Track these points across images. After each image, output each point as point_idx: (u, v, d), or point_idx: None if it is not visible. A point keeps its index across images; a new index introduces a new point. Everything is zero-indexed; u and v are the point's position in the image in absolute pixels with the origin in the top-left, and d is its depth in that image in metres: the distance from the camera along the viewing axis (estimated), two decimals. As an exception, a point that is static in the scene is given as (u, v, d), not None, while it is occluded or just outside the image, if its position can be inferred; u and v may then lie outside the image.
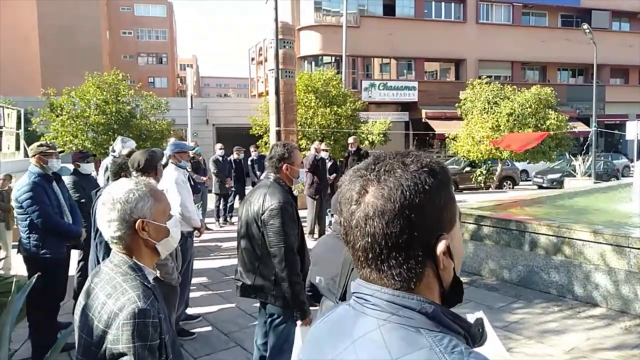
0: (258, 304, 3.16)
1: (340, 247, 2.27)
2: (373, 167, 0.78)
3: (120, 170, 3.59)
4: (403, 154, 0.79)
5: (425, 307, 0.74)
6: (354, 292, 0.82)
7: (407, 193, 0.73)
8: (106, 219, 1.51)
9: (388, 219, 0.73)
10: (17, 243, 4.14)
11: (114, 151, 6.31)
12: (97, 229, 3.32)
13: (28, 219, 3.74)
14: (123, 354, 1.34)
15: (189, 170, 4.97)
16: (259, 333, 3.17)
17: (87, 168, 4.98)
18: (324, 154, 8.80)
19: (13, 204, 3.93)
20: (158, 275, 3.16)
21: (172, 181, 4.22)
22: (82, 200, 4.70)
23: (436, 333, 0.72)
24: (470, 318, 0.87)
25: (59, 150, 4.11)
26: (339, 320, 0.83)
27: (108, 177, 5.14)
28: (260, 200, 2.83)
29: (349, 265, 2.19)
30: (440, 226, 0.76)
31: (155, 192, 1.60)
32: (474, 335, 0.79)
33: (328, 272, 2.32)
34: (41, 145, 3.94)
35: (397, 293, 0.75)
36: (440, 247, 0.75)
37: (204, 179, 9.04)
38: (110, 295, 1.43)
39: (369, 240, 0.75)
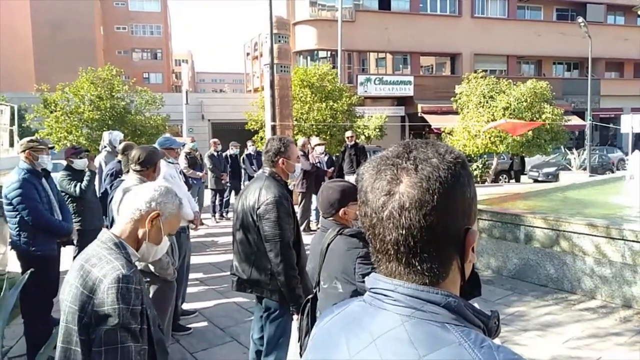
0: (254, 299, 3.15)
1: (322, 239, 2.40)
2: (407, 155, 0.74)
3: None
4: (434, 144, 0.77)
5: (450, 301, 0.72)
6: (370, 288, 0.78)
7: (446, 184, 0.70)
8: (138, 195, 1.71)
9: (426, 210, 0.70)
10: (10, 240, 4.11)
11: (105, 147, 6.30)
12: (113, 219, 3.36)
13: (18, 216, 3.69)
14: (108, 315, 1.44)
15: (177, 162, 4.92)
16: (255, 327, 3.16)
17: (81, 164, 4.93)
18: (319, 149, 8.87)
19: (2, 200, 3.88)
20: (153, 270, 3.16)
21: (159, 177, 4.19)
22: (77, 191, 4.69)
23: (462, 328, 0.70)
24: None
25: (49, 146, 4.06)
26: (355, 317, 0.79)
27: (110, 174, 5.10)
28: (256, 194, 2.82)
29: (320, 256, 2.32)
30: (469, 220, 0.75)
31: (180, 209, 1.80)
32: (491, 329, 0.77)
33: (313, 262, 2.47)
34: (31, 141, 3.90)
35: (420, 287, 0.72)
36: (471, 241, 0.74)
37: (200, 174, 8.99)
38: (95, 265, 1.54)
39: (403, 232, 0.71)
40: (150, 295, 2.85)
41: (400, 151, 0.76)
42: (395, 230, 0.72)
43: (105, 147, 6.29)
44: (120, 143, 5.97)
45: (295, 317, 2.82)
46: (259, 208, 2.77)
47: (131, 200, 1.71)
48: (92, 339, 1.46)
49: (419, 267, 0.73)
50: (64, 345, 1.52)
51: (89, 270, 1.52)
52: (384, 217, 0.72)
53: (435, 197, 0.70)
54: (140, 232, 1.68)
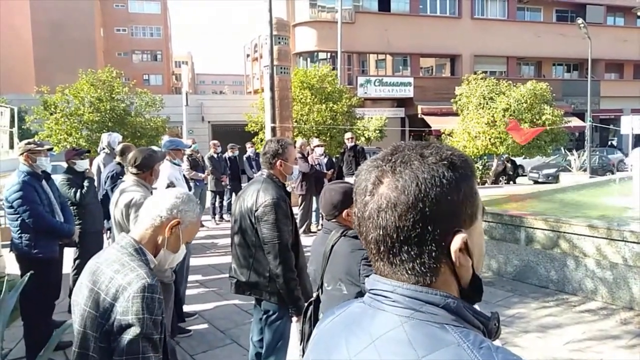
0: (253, 301, 3.14)
1: (325, 240, 2.37)
2: (390, 157, 0.75)
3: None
4: (423, 145, 0.77)
5: (449, 302, 0.72)
6: (370, 289, 0.79)
7: (423, 186, 0.70)
8: (160, 201, 1.70)
9: (401, 211, 0.71)
10: (8, 242, 4.09)
11: (103, 148, 6.29)
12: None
13: (19, 218, 3.68)
14: (131, 325, 1.42)
15: (180, 164, 4.93)
16: (254, 330, 3.15)
17: (83, 165, 4.89)
18: (318, 150, 8.88)
19: (3, 203, 3.88)
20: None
21: (164, 178, 4.18)
22: (77, 196, 4.67)
23: (461, 329, 0.70)
24: None
25: (47, 147, 4.04)
26: (355, 318, 0.79)
27: (109, 176, 5.08)
28: (254, 196, 2.81)
29: (323, 258, 2.29)
30: (459, 222, 0.73)
31: (199, 218, 1.82)
32: (490, 330, 0.77)
33: (315, 264, 2.44)
34: (29, 143, 3.88)
35: (419, 289, 0.73)
36: (456, 244, 0.72)
37: (203, 176, 8.98)
38: (118, 271, 1.51)
39: (381, 232, 0.73)
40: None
41: (387, 153, 0.77)
42: (374, 230, 0.74)
43: (103, 149, 6.28)
44: (118, 145, 5.97)
45: (294, 319, 2.81)
46: (256, 210, 2.76)
47: (152, 206, 1.70)
48: (113, 347, 1.43)
49: (400, 267, 0.73)
50: (80, 351, 1.50)
51: (112, 276, 1.49)
52: (365, 216, 0.75)
53: (411, 198, 0.70)
54: (159, 239, 1.67)
